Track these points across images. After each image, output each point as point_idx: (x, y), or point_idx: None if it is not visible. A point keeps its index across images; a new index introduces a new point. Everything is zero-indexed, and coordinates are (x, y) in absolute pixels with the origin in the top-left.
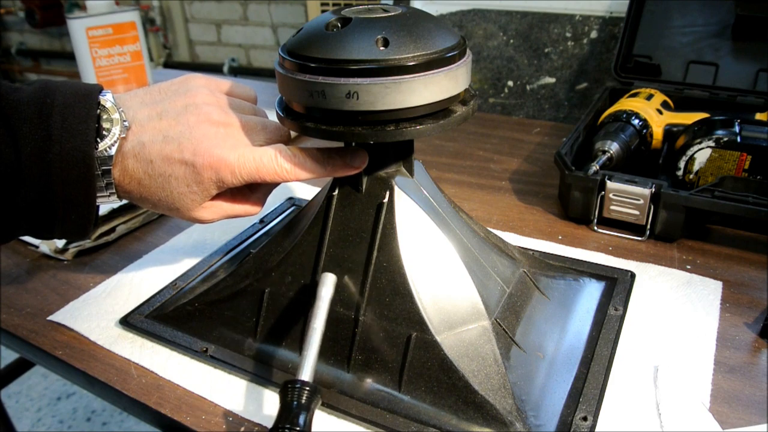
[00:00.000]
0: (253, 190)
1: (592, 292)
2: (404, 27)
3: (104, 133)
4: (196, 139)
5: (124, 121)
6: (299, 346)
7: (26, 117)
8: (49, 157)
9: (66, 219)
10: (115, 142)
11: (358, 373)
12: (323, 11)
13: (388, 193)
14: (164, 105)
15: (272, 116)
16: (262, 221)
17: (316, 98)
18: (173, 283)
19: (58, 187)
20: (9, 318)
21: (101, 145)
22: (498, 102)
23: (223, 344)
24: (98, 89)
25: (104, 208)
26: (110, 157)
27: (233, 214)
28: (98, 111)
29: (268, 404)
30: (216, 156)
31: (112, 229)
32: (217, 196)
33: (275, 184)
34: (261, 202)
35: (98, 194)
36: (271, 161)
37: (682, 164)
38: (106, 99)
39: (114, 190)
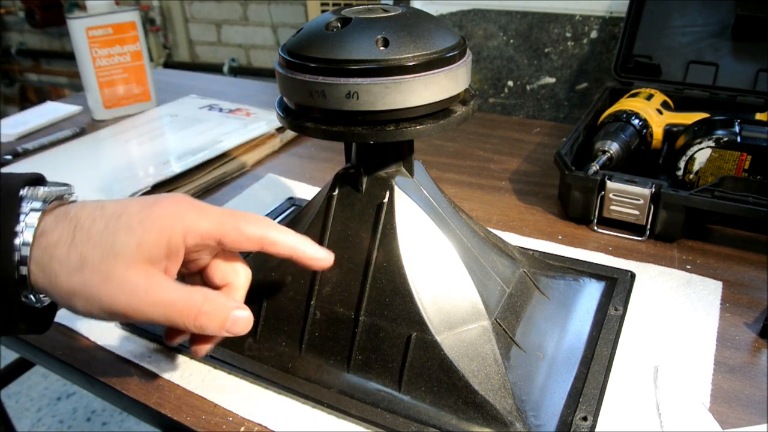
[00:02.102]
0: None
1: (592, 292)
2: (404, 27)
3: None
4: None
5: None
6: (299, 346)
7: None
8: None
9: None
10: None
11: (358, 373)
12: (323, 11)
13: (388, 193)
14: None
15: (272, 116)
16: None
17: (316, 98)
18: None
19: None
20: None
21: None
22: (498, 102)
23: (223, 344)
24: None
25: None
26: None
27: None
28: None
29: (268, 404)
30: None
31: None
32: None
33: None
34: None
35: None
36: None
37: (682, 164)
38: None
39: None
